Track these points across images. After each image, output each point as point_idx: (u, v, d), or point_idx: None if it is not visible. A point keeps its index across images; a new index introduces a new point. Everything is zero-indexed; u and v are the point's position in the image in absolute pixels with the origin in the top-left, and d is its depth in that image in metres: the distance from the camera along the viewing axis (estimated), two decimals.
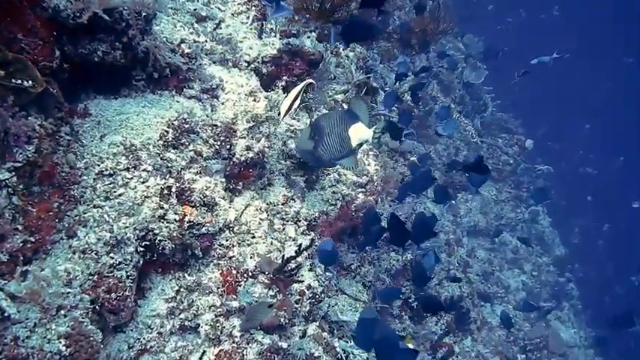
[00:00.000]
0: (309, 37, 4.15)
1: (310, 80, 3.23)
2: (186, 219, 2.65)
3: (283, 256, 2.94)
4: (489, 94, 12.10)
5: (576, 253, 14.15)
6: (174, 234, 2.59)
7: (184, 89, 3.04)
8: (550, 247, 12.24)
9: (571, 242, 14.17)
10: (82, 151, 2.55)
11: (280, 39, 3.83)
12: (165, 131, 2.78)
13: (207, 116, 3.01)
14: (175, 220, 2.60)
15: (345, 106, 4.16)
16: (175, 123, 2.82)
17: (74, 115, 2.64)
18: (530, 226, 12.10)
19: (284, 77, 3.82)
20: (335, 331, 3.71)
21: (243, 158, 3.08)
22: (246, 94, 3.22)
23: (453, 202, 9.91)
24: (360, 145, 3.07)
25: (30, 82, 2.10)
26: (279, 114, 2.96)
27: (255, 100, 3.23)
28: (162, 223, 2.56)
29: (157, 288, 2.71)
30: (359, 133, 3.00)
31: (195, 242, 2.68)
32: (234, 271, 2.84)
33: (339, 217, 3.79)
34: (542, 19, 25.18)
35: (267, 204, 3.37)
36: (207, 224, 2.74)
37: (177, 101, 2.98)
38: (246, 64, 3.54)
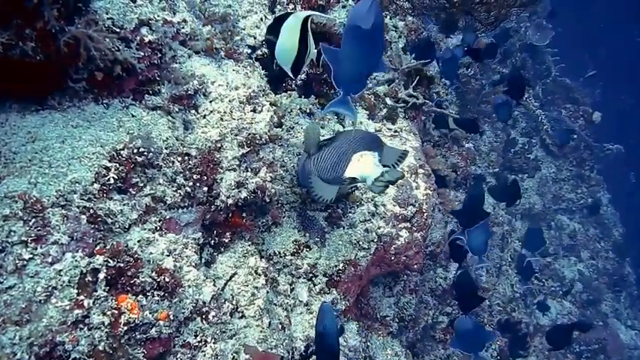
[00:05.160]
0: (344, 7, 3.05)
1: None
2: (124, 319, 1.66)
3: (282, 358, 1.95)
4: (553, 57, 10.65)
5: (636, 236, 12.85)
6: (101, 347, 1.61)
7: (146, 96, 2.02)
8: (610, 231, 11.02)
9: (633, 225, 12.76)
10: None
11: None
12: (106, 168, 1.78)
13: (178, 139, 2.00)
14: (103, 324, 1.61)
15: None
16: (124, 153, 1.83)
17: None
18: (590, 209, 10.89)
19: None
20: None
21: (231, 201, 2.07)
22: (241, 102, 2.18)
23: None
24: (354, 182, 2.22)
25: None
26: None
27: (255, 110, 2.20)
28: (80, 331, 1.59)
29: None
30: (362, 164, 2.14)
31: (136, 355, 1.70)
32: None
33: (373, 262, 2.76)
34: None
35: (269, 256, 2.38)
36: (161, 322, 1.75)
37: (133, 116, 1.97)
38: (249, 52, 2.48)
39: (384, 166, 2.10)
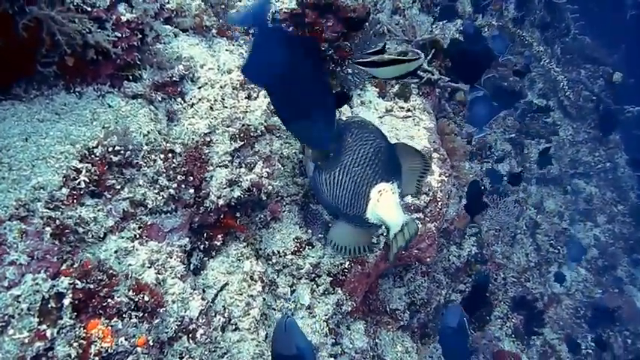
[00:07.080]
0: None
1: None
2: (94, 349, 1.45)
3: None
4: (573, 14, 10.12)
5: None
6: None
7: (125, 82, 1.77)
8: (626, 194, 10.74)
9: None
10: None
11: None
12: (76, 170, 1.55)
13: (160, 133, 1.76)
14: (70, 356, 1.41)
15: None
16: (97, 151, 1.59)
17: None
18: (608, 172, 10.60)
19: None
20: None
21: (222, 201, 1.84)
22: (234, 88, 1.92)
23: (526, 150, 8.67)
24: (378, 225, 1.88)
25: None
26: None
27: (250, 97, 1.95)
28: None
29: None
30: (382, 206, 1.79)
31: None
32: None
33: (382, 257, 2.54)
34: None
35: (268, 256, 2.16)
36: (139, 348, 1.54)
37: (110, 106, 1.73)
38: (244, 30, 2.21)
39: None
